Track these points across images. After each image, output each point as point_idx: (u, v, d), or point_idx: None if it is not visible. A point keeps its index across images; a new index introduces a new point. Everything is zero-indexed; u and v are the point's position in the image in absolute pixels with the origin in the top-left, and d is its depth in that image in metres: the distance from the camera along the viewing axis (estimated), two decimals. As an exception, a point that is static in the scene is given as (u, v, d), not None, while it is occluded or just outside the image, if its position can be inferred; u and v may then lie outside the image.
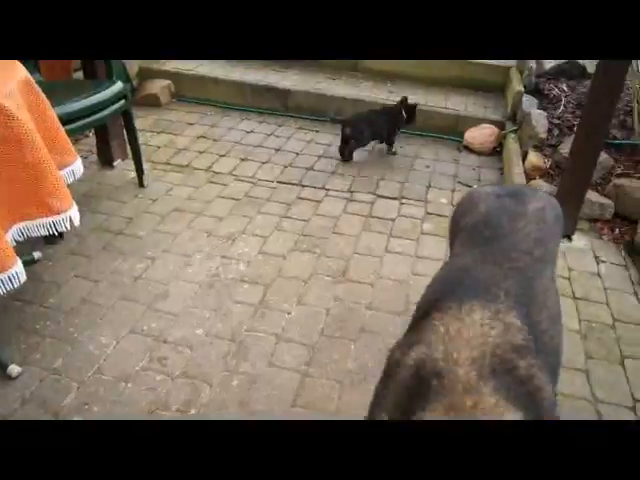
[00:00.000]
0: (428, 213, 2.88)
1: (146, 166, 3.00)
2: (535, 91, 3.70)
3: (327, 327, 2.08)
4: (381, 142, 3.51)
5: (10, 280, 1.66)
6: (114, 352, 1.92)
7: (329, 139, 3.63)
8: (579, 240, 2.66)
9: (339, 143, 3.39)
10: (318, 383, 1.84)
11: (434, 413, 0.85)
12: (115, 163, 3.14)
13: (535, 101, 3.52)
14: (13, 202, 1.76)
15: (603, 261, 2.54)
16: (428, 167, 3.38)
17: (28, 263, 2.22)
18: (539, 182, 2.94)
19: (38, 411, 1.69)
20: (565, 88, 3.67)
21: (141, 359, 1.89)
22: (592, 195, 2.77)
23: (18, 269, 1.69)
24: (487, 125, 3.64)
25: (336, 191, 3.04)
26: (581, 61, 3.82)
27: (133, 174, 2.97)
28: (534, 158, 3.07)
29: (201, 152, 3.37)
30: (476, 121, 3.69)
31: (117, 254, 2.41)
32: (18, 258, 1.71)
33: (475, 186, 3.10)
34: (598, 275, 2.45)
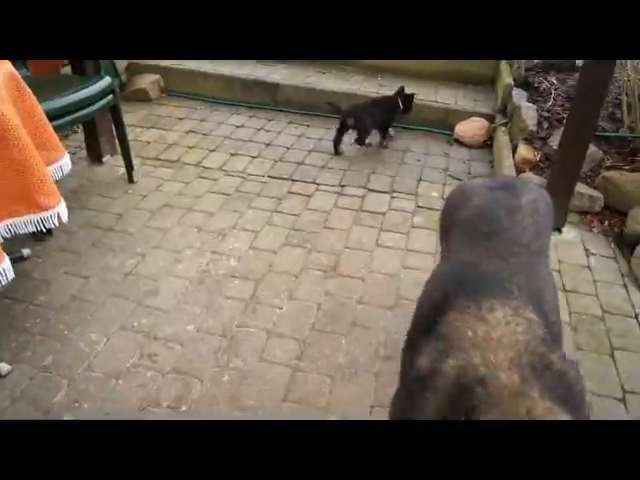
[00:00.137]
0: (419, 207, 2.88)
1: (136, 162, 2.98)
2: (525, 84, 3.70)
3: (318, 322, 2.08)
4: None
5: (-2, 277, 1.65)
6: (104, 349, 1.91)
7: (320, 133, 3.63)
8: (569, 232, 2.68)
9: (330, 137, 3.39)
10: (309, 378, 1.84)
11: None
12: (104, 159, 3.11)
13: (525, 94, 3.52)
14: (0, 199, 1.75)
15: (593, 253, 2.55)
16: (419, 161, 3.38)
17: (17, 260, 2.21)
18: (529, 175, 2.94)
19: (28, 409, 1.68)
20: (555, 81, 3.68)
21: (131, 356, 1.88)
22: (582, 187, 2.79)
23: (6, 266, 1.69)
24: (477, 118, 3.64)
25: (327, 185, 3.03)
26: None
27: (123, 170, 2.95)
28: (524, 151, 3.08)
29: (191, 147, 3.35)
30: (466, 114, 3.69)
31: (107, 250, 2.40)
32: (6, 255, 1.70)
33: (465, 179, 3.10)
34: (588, 267, 2.47)
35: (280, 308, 2.13)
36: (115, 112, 2.80)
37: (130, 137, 3.01)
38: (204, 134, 3.53)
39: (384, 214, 2.80)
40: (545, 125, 3.24)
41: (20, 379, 1.77)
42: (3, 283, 1.67)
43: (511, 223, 1.31)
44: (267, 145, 3.44)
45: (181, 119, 3.72)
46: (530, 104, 3.35)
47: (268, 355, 1.92)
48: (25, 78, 1.95)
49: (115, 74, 3.83)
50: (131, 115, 3.63)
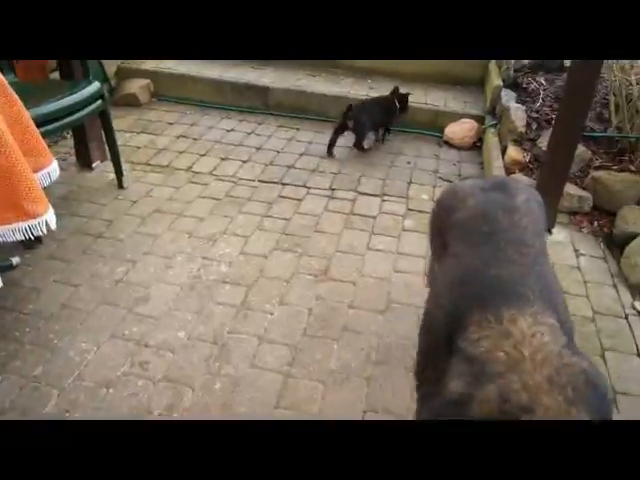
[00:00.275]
0: (409, 209, 2.88)
1: (126, 167, 2.97)
2: (514, 85, 3.71)
3: (309, 327, 2.08)
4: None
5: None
6: (95, 358, 1.90)
7: (310, 136, 3.63)
8: (559, 233, 2.69)
9: (321, 140, 3.39)
10: (301, 384, 1.84)
11: None
12: (94, 165, 3.10)
13: (514, 95, 3.53)
14: (-13, 207, 1.74)
15: (582, 254, 2.56)
16: (409, 163, 3.39)
17: (6, 269, 2.20)
18: (519, 176, 2.95)
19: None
20: (543, 82, 3.69)
21: (122, 364, 1.88)
22: (571, 188, 2.80)
23: (-6, 275, 1.67)
24: (467, 120, 3.65)
25: (317, 189, 3.03)
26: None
27: (112, 176, 2.94)
28: (513, 152, 3.09)
29: (181, 152, 3.34)
30: (456, 116, 3.70)
31: (97, 257, 2.39)
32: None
33: (455, 181, 3.11)
34: (578, 268, 2.48)
35: (271, 314, 2.13)
36: (104, 117, 2.79)
37: (120, 142, 3.00)
38: (194, 138, 3.52)
39: (375, 217, 2.80)
40: (534, 126, 3.25)
41: (10, 389, 1.76)
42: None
43: (510, 224, 1.30)
44: (257, 149, 3.44)
45: (171, 124, 3.71)
46: (519, 105, 3.37)
47: (259, 361, 1.92)
48: (13, 84, 1.95)
49: (105, 79, 3.81)
50: (121, 120, 3.62)
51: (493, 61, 4.06)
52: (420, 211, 2.84)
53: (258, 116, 3.90)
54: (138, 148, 3.36)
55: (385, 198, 2.98)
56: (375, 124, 3.47)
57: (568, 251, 2.58)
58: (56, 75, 3.02)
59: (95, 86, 2.64)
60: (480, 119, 3.66)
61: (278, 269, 2.37)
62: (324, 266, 2.41)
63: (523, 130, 3.18)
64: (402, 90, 3.54)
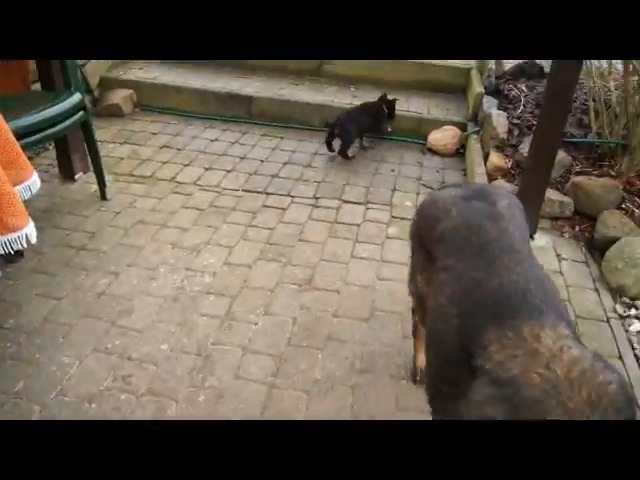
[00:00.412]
0: (393, 217, 2.90)
1: (109, 178, 2.95)
2: (495, 92, 3.75)
3: (294, 336, 2.07)
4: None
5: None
6: (77, 372, 1.88)
7: (293, 145, 3.63)
8: (541, 238, 2.71)
9: (304, 149, 3.41)
10: (285, 394, 1.84)
11: None
12: (77, 176, 3.08)
13: (495, 102, 3.57)
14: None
15: (564, 258, 2.59)
16: (393, 171, 3.40)
17: (-14, 283, 2.18)
18: (501, 182, 2.98)
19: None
20: (524, 88, 3.73)
21: (105, 378, 1.86)
22: (552, 193, 2.83)
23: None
24: (450, 127, 3.68)
25: (301, 197, 3.03)
26: (539, 61, 3.89)
27: (95, 187, 2.92)
28: (495, 158, 3.12)
29: (165, 162, 3.33)
30: (439, 123, 3.73)
31: (80, 270, 2.37)
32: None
33: (436, 189, 3.13)
34: (560, 273, 2.50)
35: (256, 324, 2.13)
36: (87, 129, 2.77)
37: (103, 153, 2.99)
38: (178, 149, 3.51)
39: (359, 225, 2.81)
40: (515, 132, 3.29)
41: (-10, 406, 1.74)
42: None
43: (498, 232, 1.30)
44: (242, 158, 3.44)
45: (155, 134, 3.70)
46: (500, 112, 3.40)
47: (244, 372, 1.91)
48: (-8, 97, 1.94)
49: (87, 90, 3.81)
50: (104, 131, 3.61)
51: (475, 68, 4.10)
52: (404, 218, 2.85)
53: (242, 125, 3.90)
54: (121, 159, 3.34)
55: (369, 206, 3.00)
56: (362, 131, 3.53)
57: (550, 256, 2.60)
58: (38, 86, 3.00)
59: (77, 97, 2.63)
60: (463, 126, 3.69)
61: (262, 279, 2.37)
62: (308, 275, 2.41)
63: (505, 136, 3.21)
64: (386, 98, 3.57)
